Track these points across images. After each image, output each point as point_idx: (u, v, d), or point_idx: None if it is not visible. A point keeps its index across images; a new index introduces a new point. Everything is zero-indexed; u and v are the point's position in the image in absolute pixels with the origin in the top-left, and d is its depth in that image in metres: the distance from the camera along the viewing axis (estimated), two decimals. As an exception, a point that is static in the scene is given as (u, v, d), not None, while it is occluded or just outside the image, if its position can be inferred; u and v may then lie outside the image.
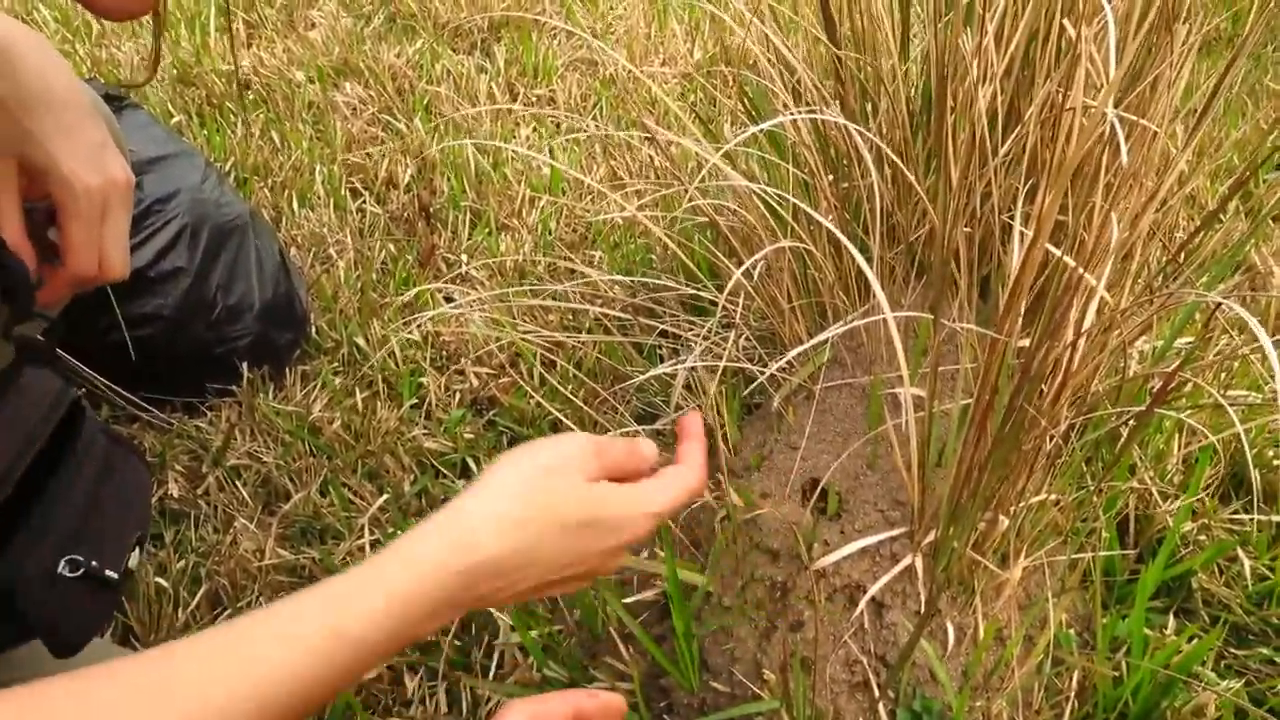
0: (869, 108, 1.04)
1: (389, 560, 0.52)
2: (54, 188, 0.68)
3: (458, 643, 0.95)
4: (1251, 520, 1.02)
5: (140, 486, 0.69)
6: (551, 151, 1.69)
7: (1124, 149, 0.72)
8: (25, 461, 0.62)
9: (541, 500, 0.56)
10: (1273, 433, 1.09)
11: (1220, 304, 0.75)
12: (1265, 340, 0.66)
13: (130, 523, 0.67)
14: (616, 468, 0.60)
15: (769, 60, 1.04)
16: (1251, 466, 0.98)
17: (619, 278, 1.32)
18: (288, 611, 0.49)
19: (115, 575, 0.64)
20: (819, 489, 0.89)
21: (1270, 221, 1.50)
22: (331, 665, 0.49)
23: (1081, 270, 0.71)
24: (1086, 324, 0.75)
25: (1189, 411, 1.03)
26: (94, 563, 0.62)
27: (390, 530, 1.04)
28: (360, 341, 1.28)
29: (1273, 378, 1.14)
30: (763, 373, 0.95)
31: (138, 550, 0.67)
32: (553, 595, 0.61)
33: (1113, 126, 0.73)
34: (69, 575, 0.61)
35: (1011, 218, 0.84)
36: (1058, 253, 0.77)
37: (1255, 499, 1.04)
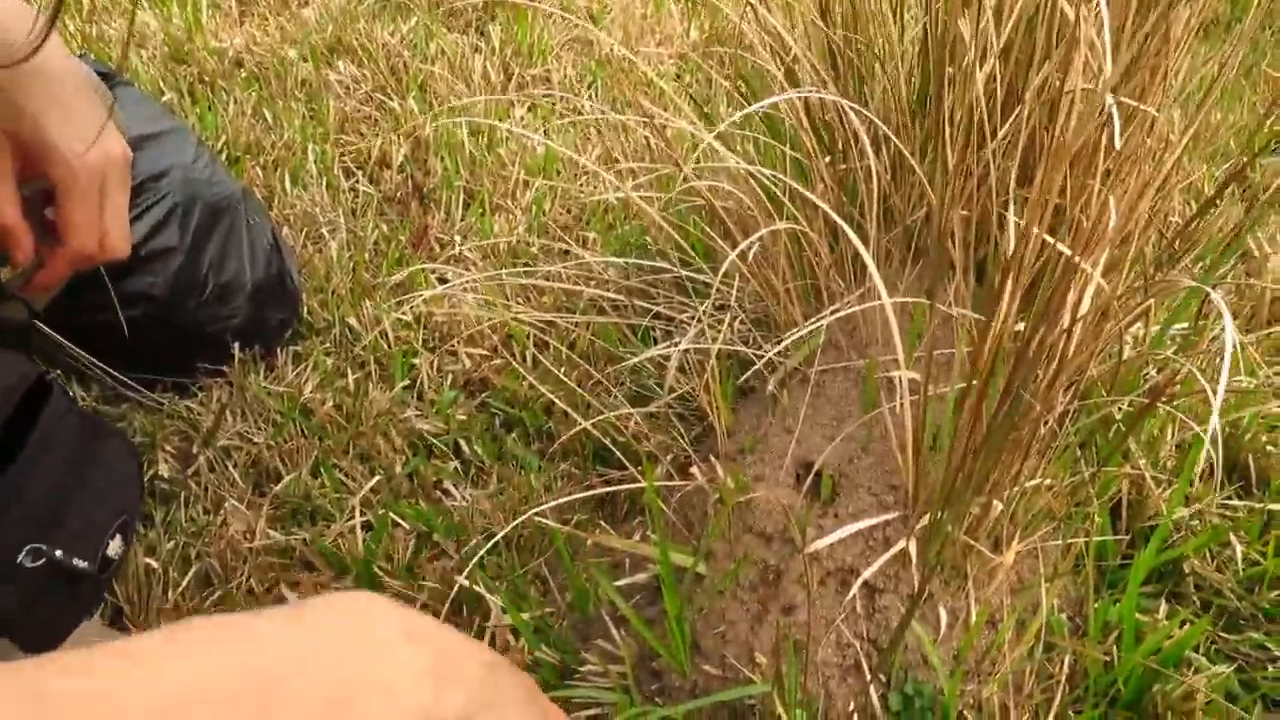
0: (866, 89, 1.03)
1: None
2: (51, 166, 0.67)
3: (449, 625, 0.94)
4: (1244, 505, 1.02)
5: (124, 471, 0.67)
6: (546, 132, 1.68)
7: (1118, 135, 0.71)
8: None
9: None
10: (1266, 418, 1.09)
11: (1209, 293, 0.74)
12: (1229, 331, 0.66)
13: (108, 510, 0.65)
14: None
15: (764, 41, 1.03)
16: (1215, 444, 0.97)
17: (613, 259, 1.31)
18: None
19: (84, 564, 0.61)
20: (813, 472, 0.89)
21: (1267, 206, 1.50)
22: None
23: (1076, 258, 0.71)
24: (1083, 309, 0.75)
25: (1181, 398, 1.03)
26: (58, 552, 0.60)
27: (381, 511, 1.03)
28: (352, 322, 1.27)
29: (1255, 370, 1.14)
30: (758, 356, 0.94)
31: (119, 537, 0.65)
32: None
33: (1111, 111, 0.72)
34: (29, 565, 0.59)
35: (1008, 202, 0.84)
36: (1053, 241, 0.77)
37: (1251, 483, 1.04)
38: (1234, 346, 0.65)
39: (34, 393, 0.63)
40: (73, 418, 0.64)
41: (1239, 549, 0.97)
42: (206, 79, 1.77)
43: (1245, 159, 1.13)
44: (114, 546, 0.63)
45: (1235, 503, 1.02)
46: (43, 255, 0.69)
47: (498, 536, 0.97)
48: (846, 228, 0.82)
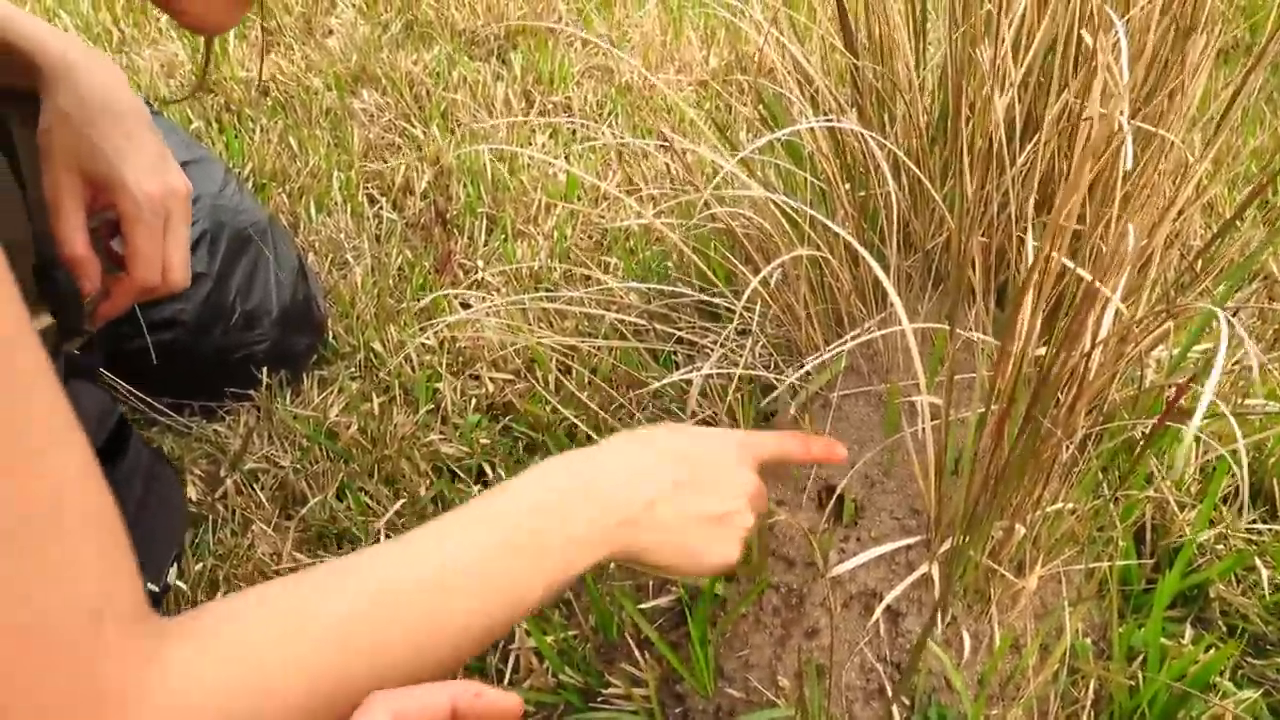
0: (886, 116, 1.04)
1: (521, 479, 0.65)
2: (119, 198, 0.69)
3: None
4: (1270, 530, 1.01)
5: (177, 503, 0.71)
6: (567, 158, 1.70)
7: (1129, 158, 0.72)
8: None
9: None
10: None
11: (1231, 316, 0.75)
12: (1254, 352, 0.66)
13: (170, 539, 0.68)
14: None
15: (785, 68, 1.05)
16: (1241, 470, 0.97)
17: (635, 284, 1.32)
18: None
19: (156, 589, 0.65)
20: (835, 496, 0.89)
21: (1288, 230, 1.49)
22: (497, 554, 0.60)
23: (1097, 283, 0.71)
24: (1103, 333, 0.75)
25: (1204, 421, 1.03)
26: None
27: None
28: (377, 347, 1.29)
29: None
30: (780, 380, 0.95)
31: (175, 566, 0.68)
32: (710, 537, 0.69)
33: (1129, 136, 0.73)
34: None
35: (1027, 228, 0.84)
36: (1072, 265, 0.77)
37: (1276, 507, 1.04)
38: (1256, 368, 0.65)
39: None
40: (145, 451, 0.68)
41: (1265, 573, 0.96)
42: (233, 108, 1.81)
43: (1265, 179, 1.13)
44: (172, 573, 0.67)
45: (1261, 526, 1.02)
46: (107, 286, 0.71)
47: (521, 560, 0.97)
48: (866, 254, 0.83)
